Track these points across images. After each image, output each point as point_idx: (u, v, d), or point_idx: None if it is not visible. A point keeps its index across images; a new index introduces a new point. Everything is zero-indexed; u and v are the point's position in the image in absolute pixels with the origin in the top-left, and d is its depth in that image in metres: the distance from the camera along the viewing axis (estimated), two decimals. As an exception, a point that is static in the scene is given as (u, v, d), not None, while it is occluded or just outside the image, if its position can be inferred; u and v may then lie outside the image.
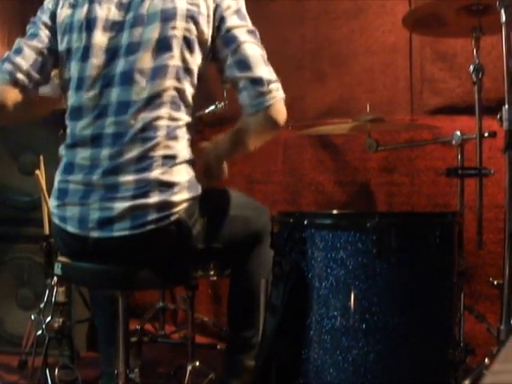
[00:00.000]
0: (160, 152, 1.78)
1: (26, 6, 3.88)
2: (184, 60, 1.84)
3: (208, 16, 1.87)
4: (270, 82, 1.83)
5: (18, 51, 1.92)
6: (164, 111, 1.81)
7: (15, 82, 1.90)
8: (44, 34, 1.95)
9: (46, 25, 1.96)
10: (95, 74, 1.85)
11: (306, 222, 1.82)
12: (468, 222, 2.33)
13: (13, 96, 1.91)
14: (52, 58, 1.96)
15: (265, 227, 1.99)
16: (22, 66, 1.90)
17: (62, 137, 1.97)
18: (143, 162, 1.77)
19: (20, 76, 1.89)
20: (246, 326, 2.08)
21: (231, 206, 1.98)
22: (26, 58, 1.91)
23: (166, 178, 1.77)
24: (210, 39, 1.89)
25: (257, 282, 1.94)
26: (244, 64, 1.84)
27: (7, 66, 1.90)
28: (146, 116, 1.79)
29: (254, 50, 1.86)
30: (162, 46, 1.83)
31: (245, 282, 2.07)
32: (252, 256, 2.04)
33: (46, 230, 2.64)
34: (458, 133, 2.37)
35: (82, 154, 1.84)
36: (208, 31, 1.88)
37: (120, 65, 1.84)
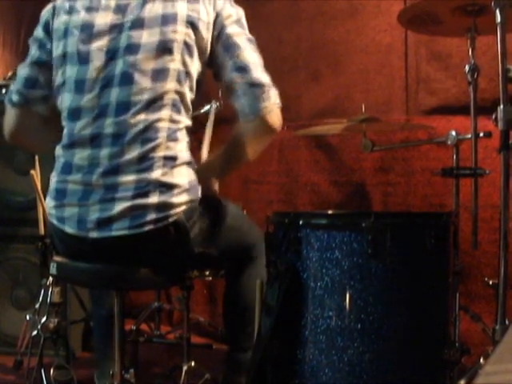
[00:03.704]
0: (161, 153, 1.78)
1: (21, 7, 3.89)
2: (184, 64, 1.85)
3: (208, 23, 1.88)
4: (270, 87, 1.84)
5: (15, 77, 2.06)
6: (165, 113, 1.81)
7: (13, 105, 2.03)
8: (35, 47, 2.01)
9: (39, 40, 2.00)
10: (94, 76, 1.85)
11: (301, 222, 1.82)
12: (463, 222, 2.33)
13: (17, 117, 2.05)
14: (46, 69, 1.99)
15: (259, 243, 1.98)
16: (14, 88, 2.03)
17: (57, 137, 1.97)
18: (144, 162, 1.77)
19: (15, 98, 2.02)
20: (241, 347, 2.06)
21: (229, 215, 1.98)
22: (18, 80, 2.03)
23: (167, 179, 1.77)
24: (209, 46, 1.89)
25: (250, 300, 1.94)
26: (244, 69, 1.85)
27: (7, 94, 2.05)
28: (148, 117, 1.79)
29: (253, 56, 1.88)
30: (163, 49, 1.83)
31: (238, 302, 2.06)
32: (245, 272, 2.04)
33: (42, 230, 2.64)
34: (454, 133, 2.37)
35: (81, 154, 1.84)
36: (207, 38, 1.88)
37: (119, 65, 1.83)
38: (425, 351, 1.77)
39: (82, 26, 1.88)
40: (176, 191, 1.78)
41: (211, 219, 1.91)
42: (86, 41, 1.87)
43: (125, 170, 1.77)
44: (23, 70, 2.01)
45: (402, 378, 1.72)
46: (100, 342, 2.24)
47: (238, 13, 1.95)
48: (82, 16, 1.90)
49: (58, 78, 1.94)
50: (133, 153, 1.78)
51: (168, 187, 1.77)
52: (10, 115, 2.04)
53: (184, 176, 1.82)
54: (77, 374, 2.53)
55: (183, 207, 1.79)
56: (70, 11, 1.92)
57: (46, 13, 2.01)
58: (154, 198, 1.75)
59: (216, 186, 2.09)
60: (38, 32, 2.01)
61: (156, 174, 1.77)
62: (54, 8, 1.98)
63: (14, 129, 2.05)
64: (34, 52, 2.01)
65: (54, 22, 1.96)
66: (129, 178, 1.76)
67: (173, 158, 1.80)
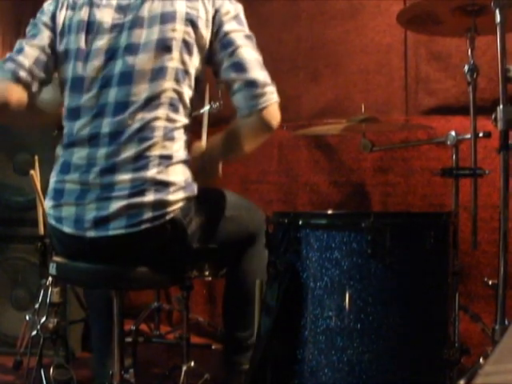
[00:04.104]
0: (156, 152, 1.79)
1: (21, 7, 3.88)
2: (183, 62, 1.85)
3: (207, 20, 1.89)
4: (265, 85, 1.84)
5: (20, 50, 1.92)
6: (162, 112, 1.82)
7: (18, 80, 1.89)
8: (45, 33, 1.94)
9: (46, 25, 1.95)
10: (93, 75, 1.85)
11: (300, 222, 1.81)
12: (463, 222, 2.33)
13: (17, 94, 1.90)
14: (54, 57, 1.95)
15: (259, 227, 1.99)
16: (24, 63, 1.89)
17: (56, 137, 1.96)
18: (140, 161, 1.78)
19: (22, 74, 1.89)
20: (241, 326, 2.08)
21: (226, 206, 1.99)
22: (28, 56, 1.90)
23: (162, 177, 1.78)
24: (208, 43, 1.90)
25: (252, 282, 1.94)
26: (240, 66, 1.85)
27: (9, 65, 1.90)
28: (144, 116, 1.80)
29: (250, 53, 1.88)
30: (162, 47, 1.83)
31: (240, 282, 2.08)
32: (246, 256, 2.05)
33: (41, 230, 2.64)
34: (453, 133, 2.37)
35: (79, 154, 1.84)
36: (206, 35, 1.89)
37: (118, 65, 1.84)
38: (424, 351, 1.76)
39: (84, 23, 1.88)
40: (172, 189, 1.79)
41: (209, 214, 1.91)
42: (87, 39, 1.87)
43: (121, 169, 1.78)
44: (34, 52, 1.91)
45: (401, 377, 1.72)
46: (99, 343, 2.24)
47: (237, 9, 1.95)
48: (83, 13, 1.89)
49: (60, 75, 1.94)
50: (129, 152, 1.78)
51: (164, 185, 1.78)
52: (8, 89, 1.89)
53: (180, 174, 1.82)
54: (76, 374, 2.53)
55: (180, 204, 1.80)
56: (73, 7, 1.92)
57: (49, 5, 1.98)
58: (150, 197, 1.76)
59: (220, 168, 2.09)
60: (46, 20, 1.95)
61: (152, 172, 1.77)
62: (57, 0, 1.96)
63: (9, 104, 1.90)
64: (43, 35, 1.93)
65: (59, 16, 1.94)
66: (125, 176, 1.77)
67: (168, 157, 1.81)
